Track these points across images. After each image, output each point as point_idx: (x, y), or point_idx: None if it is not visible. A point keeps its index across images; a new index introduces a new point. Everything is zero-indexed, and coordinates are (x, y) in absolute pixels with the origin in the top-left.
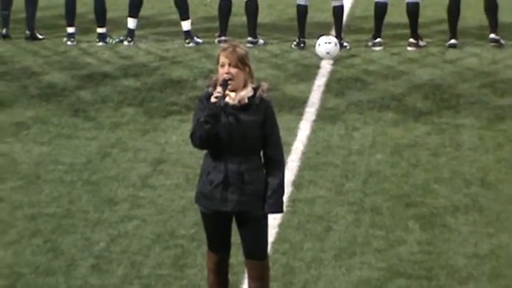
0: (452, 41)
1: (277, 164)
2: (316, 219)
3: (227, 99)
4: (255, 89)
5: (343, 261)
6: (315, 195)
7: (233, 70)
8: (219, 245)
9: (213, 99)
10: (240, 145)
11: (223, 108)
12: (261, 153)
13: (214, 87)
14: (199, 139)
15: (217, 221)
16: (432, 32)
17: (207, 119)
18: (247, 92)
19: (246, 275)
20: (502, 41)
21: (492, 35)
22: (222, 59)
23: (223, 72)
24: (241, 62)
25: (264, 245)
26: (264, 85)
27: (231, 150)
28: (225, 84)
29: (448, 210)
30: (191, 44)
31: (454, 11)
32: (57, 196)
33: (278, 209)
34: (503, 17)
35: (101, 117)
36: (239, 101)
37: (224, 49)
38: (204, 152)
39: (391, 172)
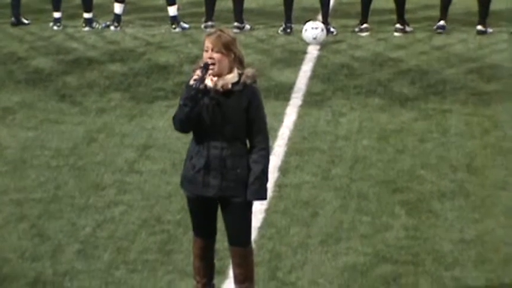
0: (441, 22)
1: (261, 151)
2: (303, 204)
3: (208, 82)
4: (241, 75)
5: (330, 247)
6: (301, 180)
7: (216, 55)
8: (204, 230)
9: (191, 82)
10: (223, 130)
11: (202, 91)
12: (247, 139)
13: None
14: (179, 121)
15: (201, 206)
16: (419, 17)
17: (185, 101)
18: (231, 78)
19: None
20: (490, 30)
21: (479, 27)
22: (207, 44)
23: (206, 56)
24: (226, 48)
25: (247, 232)
26: (249, 71)
27: (213, 135)
28: (205, 67)
29: (434, 196)
30: (178, 29)
31: None
32: (44, 181)
33: (260, 195)
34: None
35: (87, 102)
36: (222, 87)
37: (209, 34)
38: (191, 137)
39: (378, 158)
